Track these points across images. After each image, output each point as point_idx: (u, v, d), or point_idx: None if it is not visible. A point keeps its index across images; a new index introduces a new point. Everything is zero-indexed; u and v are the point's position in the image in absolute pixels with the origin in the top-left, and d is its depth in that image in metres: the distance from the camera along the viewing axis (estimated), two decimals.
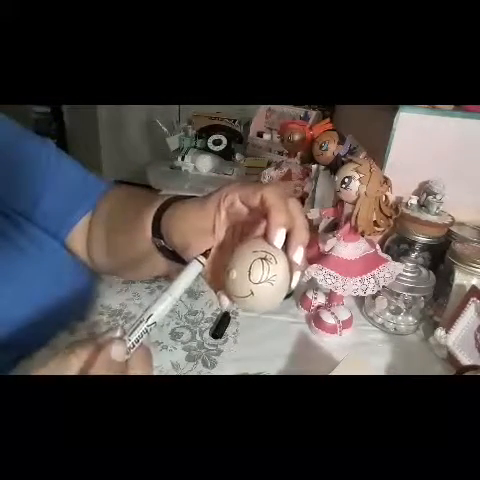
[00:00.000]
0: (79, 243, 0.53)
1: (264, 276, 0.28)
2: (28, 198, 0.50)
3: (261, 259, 0.28)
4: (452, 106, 0.66)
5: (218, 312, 0.62)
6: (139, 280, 0.66)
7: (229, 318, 0.60)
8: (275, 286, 0.29)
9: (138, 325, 0.30)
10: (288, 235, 0.31)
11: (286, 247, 0.30)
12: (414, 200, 0.68)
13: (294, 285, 0.31)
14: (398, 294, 0.60)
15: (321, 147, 0.63)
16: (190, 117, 1.32)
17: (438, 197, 0.65)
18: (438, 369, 0.55)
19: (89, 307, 0.58)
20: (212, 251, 0.34)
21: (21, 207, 0.49)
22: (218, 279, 0.34)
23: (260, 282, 0.28)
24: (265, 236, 0.31)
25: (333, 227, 0.58)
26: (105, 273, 0.60)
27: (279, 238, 0.30)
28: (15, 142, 0.50)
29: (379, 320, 0.62)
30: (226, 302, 0.33)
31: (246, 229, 0.36)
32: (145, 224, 0.42)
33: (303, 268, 0.31)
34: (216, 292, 0.34)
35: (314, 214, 0.59)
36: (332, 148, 0.63)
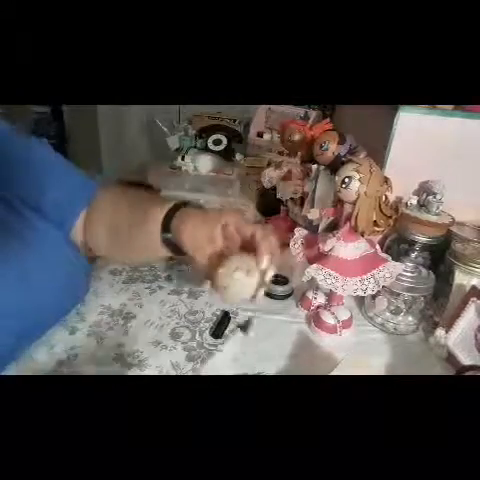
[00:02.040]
0: (80, 235, 0.56)
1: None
2: (35, 191, 0.53)
3: (237, 268, 0.43)
4: (452, 106, 0.66)
5: (218, 312, 0.62)
6: (133, 264, 0.72)
7: (229, 318, 0.60)
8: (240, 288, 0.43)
9: None
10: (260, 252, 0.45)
11: (257, 259, 0.44)
12: (414, 200, 0.68)
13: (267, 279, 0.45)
14: (398, 294, 0.60)
15: (321, 147, 0.63)
16: (190, 117, 1.32)
17: (438, 197, 0.65)
18: (438, 369, 0.55)
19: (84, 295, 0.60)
20: (210, 253, 0.48)
21: (29, 200, 0.52)
22: (210, 271, 0.47)
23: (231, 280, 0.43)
24: (255, 256, 0.44)
25: (333, 227, 0.58)
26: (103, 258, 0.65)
27: (266, 262, 0.44)
28: (14, 141, 0.54)
29: (379, 320, 0.62)
30: (208, 285, 0.46)
31: (230, 244, 0.48)
32: (156, 221, 0.53)
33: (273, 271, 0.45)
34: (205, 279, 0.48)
35: (314, 214, 0.59)
36: (332, 148, 0.63)
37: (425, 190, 0.68)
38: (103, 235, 0.57)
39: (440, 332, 0.56)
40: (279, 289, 0.66)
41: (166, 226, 0.53)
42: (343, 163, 0.52)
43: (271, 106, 1.34)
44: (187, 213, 0.53)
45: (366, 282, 0.54)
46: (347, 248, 0.55)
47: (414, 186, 0.70)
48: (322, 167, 0.67)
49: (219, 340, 0.56)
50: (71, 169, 0.58)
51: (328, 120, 0.70)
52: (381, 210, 0.52)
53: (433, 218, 0.65)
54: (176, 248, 0.53)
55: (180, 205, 0.54)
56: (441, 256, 0.64)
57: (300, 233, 0.62)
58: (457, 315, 0.55)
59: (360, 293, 0.54)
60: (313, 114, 1.27)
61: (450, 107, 0.66)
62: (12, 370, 0.47)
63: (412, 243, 0.66)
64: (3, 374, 0.46)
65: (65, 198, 0.55)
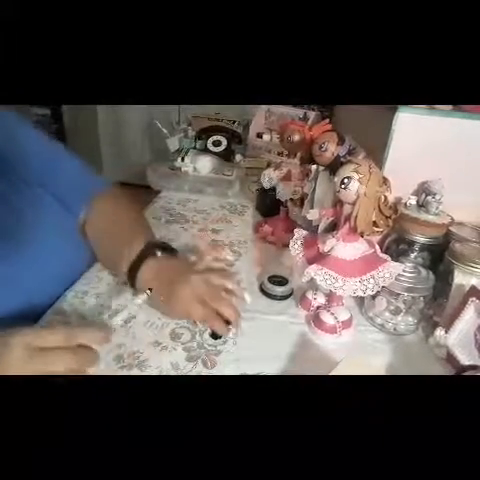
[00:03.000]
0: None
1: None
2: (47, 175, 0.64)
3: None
4: (451, 106, 0.66)
5: None
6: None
7: None
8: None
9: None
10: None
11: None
12: (413, 200, 0.68)
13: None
14: (397, 294, 0.60)
15: (320, 148, 0.63)
16: (190, 118, 1.32)
17: (437, 197, 0.65)
18: (438, 369, 0.55)
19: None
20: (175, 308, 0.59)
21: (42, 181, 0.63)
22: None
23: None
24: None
25: (332, 227, 0.58)
26: None
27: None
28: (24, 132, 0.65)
29: (379, 320, 0.62)
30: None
31: None
32: (124, 264, 0.60)
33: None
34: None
35: (313, 215, 0.59)
36: (331, 149, 0.63)
37: (424, 190, 0.68)
38: (96, 245, 0.69)
39: (440, 332, 0.56)
40: (279, 290, 0.66)
41: (133, 273, 0.59)
42: (342, 164, 0.52)
43: (270, 107, 1.34)
44: (154, 267, 0.58)
45: (366, 282, 0.54)
46: (347, 248, 0.55)
47: (413, 186, 0.70)
48: (321, 168, 0.67)
49: (219, 340, 0.56)
50: (77, 162, 0.70)
51: (327, 121, 0.70)
52: (380, 210, 0.52)
53: (432, 218, 0.65)
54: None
55: (148, 252, 0.58)
56: (440, 256, 0.64)
57: (300, 233, 0.62)
58: (456, 315, 0.55)
59: (360, 293, 0.54)
60: (312, 115, 1.27)
61: (449, 107, 0.66)
62: None
63: (411, 243, 0.67)
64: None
65: (71, 189, 0.67)
